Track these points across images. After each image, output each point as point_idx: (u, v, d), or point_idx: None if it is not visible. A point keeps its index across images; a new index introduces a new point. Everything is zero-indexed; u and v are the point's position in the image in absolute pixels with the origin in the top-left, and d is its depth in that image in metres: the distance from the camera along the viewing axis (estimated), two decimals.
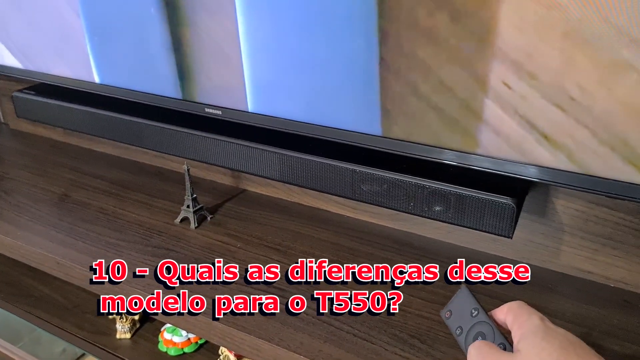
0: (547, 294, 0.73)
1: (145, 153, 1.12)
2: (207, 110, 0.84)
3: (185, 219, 0.91)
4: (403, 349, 0.64)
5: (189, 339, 0.94)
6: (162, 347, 0.95)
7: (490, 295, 0.72)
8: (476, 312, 0.50)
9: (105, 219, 0.92)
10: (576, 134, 0.57)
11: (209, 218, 0.91)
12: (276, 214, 0.93)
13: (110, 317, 1.00)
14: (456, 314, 0.52)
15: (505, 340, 0.47)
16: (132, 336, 0.99)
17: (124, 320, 0.97)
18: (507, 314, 0.47)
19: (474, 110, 0.61)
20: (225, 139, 0.85)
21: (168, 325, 0.95)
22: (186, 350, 0.94)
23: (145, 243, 0.85)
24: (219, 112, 0.83)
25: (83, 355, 1.10)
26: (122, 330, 0.98)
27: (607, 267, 0.74)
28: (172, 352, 0.94)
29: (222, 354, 0.92)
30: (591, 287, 0.74)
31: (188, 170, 0.87)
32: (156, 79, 0.87)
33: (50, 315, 1.05)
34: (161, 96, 0.88)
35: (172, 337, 0.94)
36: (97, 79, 0.93)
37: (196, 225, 0.89)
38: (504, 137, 0.61)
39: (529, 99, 0.58)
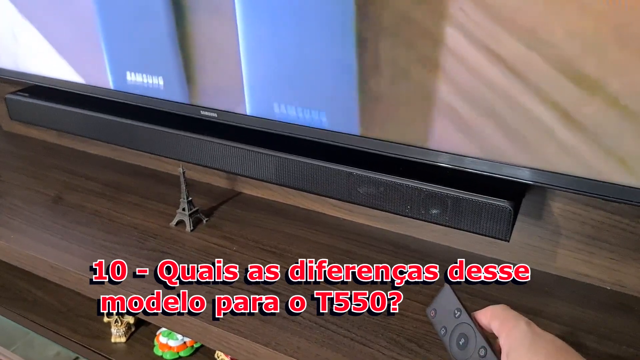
0: (544, 296, 0.73)
1: (140, 155, 1.11)
2: (202, 112, 0.84)
3: (180, 222, 0.90)
4: (400, 353, 0.63)
5: (184, 342, 0.94)
6: (158, 350, 0.95)
7: (487, 298, 0.72)
8: (459, 312, 0.50)
9: (99, 221, 0.92)
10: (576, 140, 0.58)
11: (204, 221, 0.91)
12: (272, 217, 0.93)
13: (105, 320, 0.99)
14: (440, 313, 0.51)
15: (486, 343, 0.46)
16: (127, 340, 0.98)
17: (119, 323, 0.97)
18: (492, 319, 0.47)
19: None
20: (220, 141, 0.84)
21: (163, 328, 0.95)
22: (182, 354, 0.93)
23: (140, 246, 0.85)
24: (215, 115, 0.83)
25: (77, 358, 1.10)
26: (117, 334, 0.97)
27: (603, 270, 0.74)
28: (167, 356, 0.93)
29: (218, 358, 0.91)
30: (587, 290, 0.74)
31: (184, 173, 0.87)
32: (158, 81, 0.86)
33: (44, 319, 1.04)
34: (156, 98, 0.88)
35: (168, 341, 0.93)
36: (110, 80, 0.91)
37: (192, 228, 0.89)
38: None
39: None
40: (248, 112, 0.78)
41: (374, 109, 0.66)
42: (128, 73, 0.84)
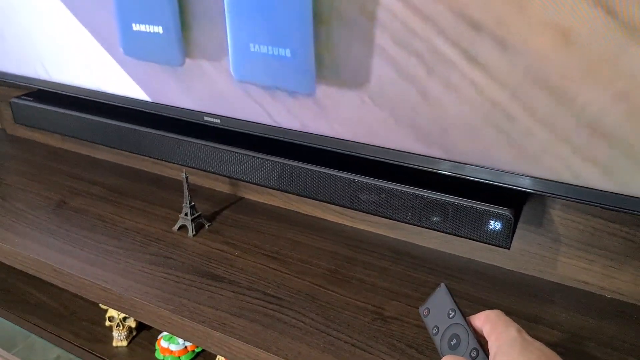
0: (544, 304, 0.73)
1: (144, 160, 1.12)
2: (206, 118, 0.84)
3: (183, 227, 0.91)
4: (401, 359, 0.64)
5: (185, 347, 0.94)
6: (159, 355, 0.95)
7: (486, 304, 0.72)
8: (453, 313, 0.50)
9: (102, 226, 0.92)
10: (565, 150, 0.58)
11: (206, 226, 0.92)
12: (274, 222, 0.93)
13: (106, 324, 0.99)
14: (434, 313, 0.51)
15: (479, 345, 0.47)
16: (128, 344, 0.98)
17: (121, 327, 0.97)
18: (485, 322, 0.47)
19: None
20: (223, 147, 0.85)
21: (165, 333, 0.95)
22: (183, 358, 0.94)
23: (143, 250, 0.85)
24: (218, 121, 0.83)
25: None
26: (119, 338, 0.98)
27: (603, 277, 0.74)
28: None
29: None
30: (587, 297, 0.75)
31: (186, 178, 0.87)
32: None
33: (46, 322, 1.05)
34: (160, 104, 0.88)
35: (169, 345, 0.94)
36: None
37: (194, 233, 0.89)
38: None
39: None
40: (230, 52, 0.78)
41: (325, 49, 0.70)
42: (134, 24, 0.85)
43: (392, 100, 0.67)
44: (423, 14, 0.61)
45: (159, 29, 0.82)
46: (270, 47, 0.73)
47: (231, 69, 0.78)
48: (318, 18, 0.68)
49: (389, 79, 0.66)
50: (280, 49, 0.73)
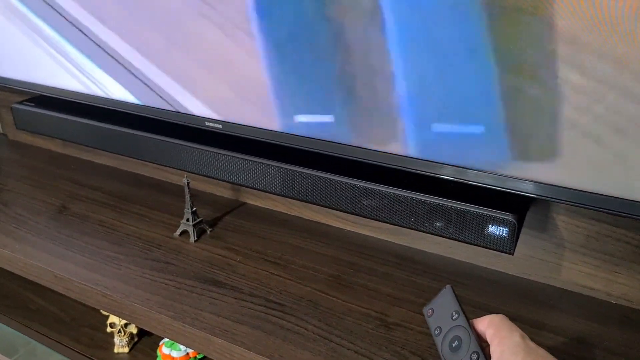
0: (548, 309, 0.73)
1: (145, 165, 1.12)
2: (207, 123, 0.84)
3: (184, 232, 0.90)
4: None
5: (187, 353, 0.93)
6: None
7: (490, 309, 0.72)
8: (457, 315, 0.50)
9: (103, 231, 0.92)
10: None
11: (208, 231, 0.91)
12: (276, 228, 0.93)
13: (108, 330, 0.99)
14: (437, 314, 0.52)
15: (479, 349, 0.46)
16: (130, 350, 0.98)
17: (122, 334, 0.97)
18: (488, 326, 0.47)
19: None
20: (225, 152, 0.85)
21: (166, 339, 0.94)
22: None
23: (144, 256, 0.85)
24: (220, 126, 0.83)
25: None
26: (120, 344, 0.97)
27: (608, 283, 0.73)
28: None
29: None
30: (592, 303, 0.74)
31: (188, 183, 0.87)
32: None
33: (47, 328, 1.04)
34: (161, 109, 0.88)
35: (171, 352, 0.93)
36: None
37: (195, 238, 0.89)
38: None
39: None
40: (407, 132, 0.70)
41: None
42: (296, 116, 0.77)
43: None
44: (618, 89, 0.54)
45: (330, 119, 0.74)
46: (458, 126, 0.65)
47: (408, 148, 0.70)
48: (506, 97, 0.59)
49: (582, 155, 0.58)
50: (470, 127, 0.65)
